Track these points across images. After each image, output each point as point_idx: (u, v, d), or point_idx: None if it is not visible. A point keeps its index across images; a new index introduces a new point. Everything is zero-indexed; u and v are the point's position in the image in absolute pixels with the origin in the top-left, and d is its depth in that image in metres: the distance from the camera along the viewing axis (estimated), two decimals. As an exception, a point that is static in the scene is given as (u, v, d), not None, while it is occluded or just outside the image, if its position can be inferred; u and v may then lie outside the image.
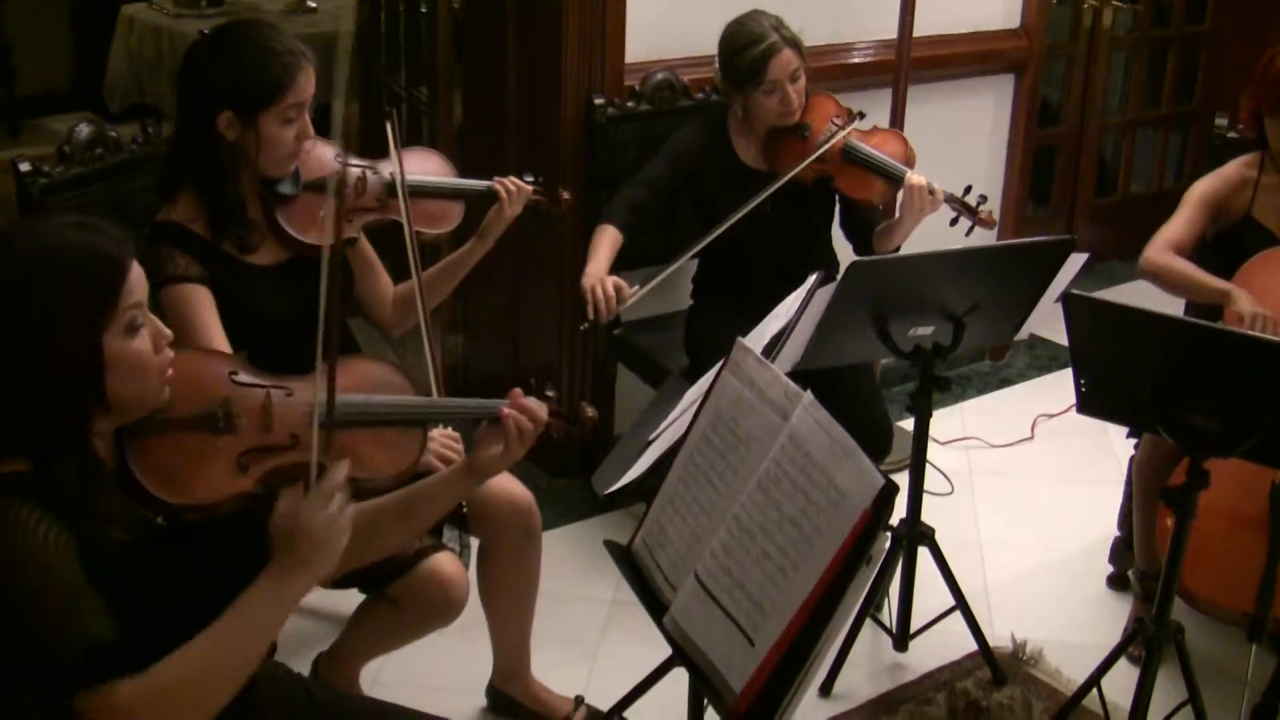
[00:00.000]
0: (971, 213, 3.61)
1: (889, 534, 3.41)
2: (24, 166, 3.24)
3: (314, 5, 6.94)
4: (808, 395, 2.25)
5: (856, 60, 4.56)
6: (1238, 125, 3.93)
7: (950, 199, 3.64)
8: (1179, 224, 3.64)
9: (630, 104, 4.18)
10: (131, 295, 1.99)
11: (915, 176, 3.65)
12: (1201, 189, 3.67)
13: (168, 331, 2.06)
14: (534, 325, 4.42)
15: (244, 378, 2.21)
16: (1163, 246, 3.61)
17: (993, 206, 4.08)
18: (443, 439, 2.83)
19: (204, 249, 2.91)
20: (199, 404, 2.12)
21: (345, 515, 2.05)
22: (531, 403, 2.34)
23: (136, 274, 2.01)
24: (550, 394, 2.44)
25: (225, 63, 2.87)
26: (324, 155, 3.06)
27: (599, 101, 4.12)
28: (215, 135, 2.88)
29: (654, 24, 4.23)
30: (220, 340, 2.83)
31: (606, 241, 3.71)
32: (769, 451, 2.27)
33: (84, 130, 3.40)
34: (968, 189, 3.64)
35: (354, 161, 3.14)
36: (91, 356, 1.95)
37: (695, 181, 3.85)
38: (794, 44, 3.72)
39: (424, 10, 5.03)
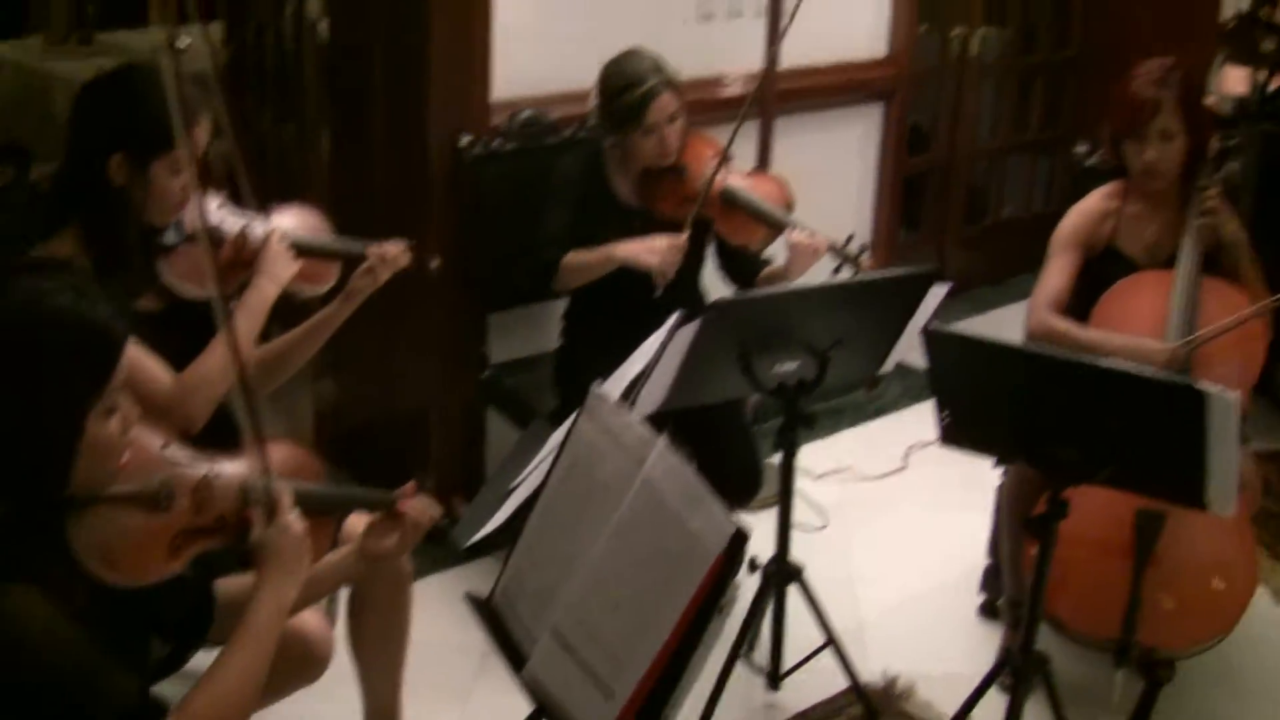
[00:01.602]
0: (853, 262, 3.61)
1: (759, 573, 3.40)
2: None
3: (184, 46, 6.84)
4: (661, 440, 2.24)
5: (723, 94, 4.56)
6: (1097, 152, 3.98)
7: (833, 250, 3.64)
8: (1053, 275, 3.69)
9: (497, 142, 4.15)
10: (119, 377, 1.94)
11: (799, 231, 3.65)
12: (1066, 231, 3.72)
13: (136, 411, 2.02)
14: (404, 370, 4.37)
15: (176, 454, 2.18)
16: (1044, 307, 3.66)
17: (868, 241, 4.10)
18: None
19: None
20: (140, 481, 2.07)
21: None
22: (425, 501, 2.49)
23: (125, 355, 1.98)
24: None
25: (124, 106, 2.82)
26: (207, 206, 3.00)
27: (466, 140, 4.08)
28: (104, 177, 2.81)
29: (519, 61, 4.20)
30: (162, 374, 2.81)
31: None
32: (625, 498, 2.25)
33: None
34: (849, 238, 3.64)
35: (236, 214, 3.08)
36: (74, 435, 1.90)
37: (579, 214, 3.84)
38: (673, 86, 3.72)
39: (290, 47, 4.99)
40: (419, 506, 2.48)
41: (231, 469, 2.22)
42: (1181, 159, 3.58)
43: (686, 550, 2.11)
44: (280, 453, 2.35)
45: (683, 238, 3.67)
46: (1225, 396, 2.59)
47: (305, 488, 2.31)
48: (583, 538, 2.32)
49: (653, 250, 3.66)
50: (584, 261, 3.72)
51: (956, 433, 3.03)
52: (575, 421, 2.47)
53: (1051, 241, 3.73)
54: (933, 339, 2.95)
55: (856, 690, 3.49)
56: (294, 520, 2.19)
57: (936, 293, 3.28)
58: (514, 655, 2.42)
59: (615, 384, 2.91)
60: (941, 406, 3.02)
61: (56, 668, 1.83)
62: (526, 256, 3.83)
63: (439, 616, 3.72)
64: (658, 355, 2.97)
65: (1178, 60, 3.64)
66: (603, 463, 2.35)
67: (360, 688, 3.24)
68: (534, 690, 2.30)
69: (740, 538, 2.04)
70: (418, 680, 3.33)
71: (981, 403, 2.96)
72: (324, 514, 2.38)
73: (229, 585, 2.36)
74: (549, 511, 2.45)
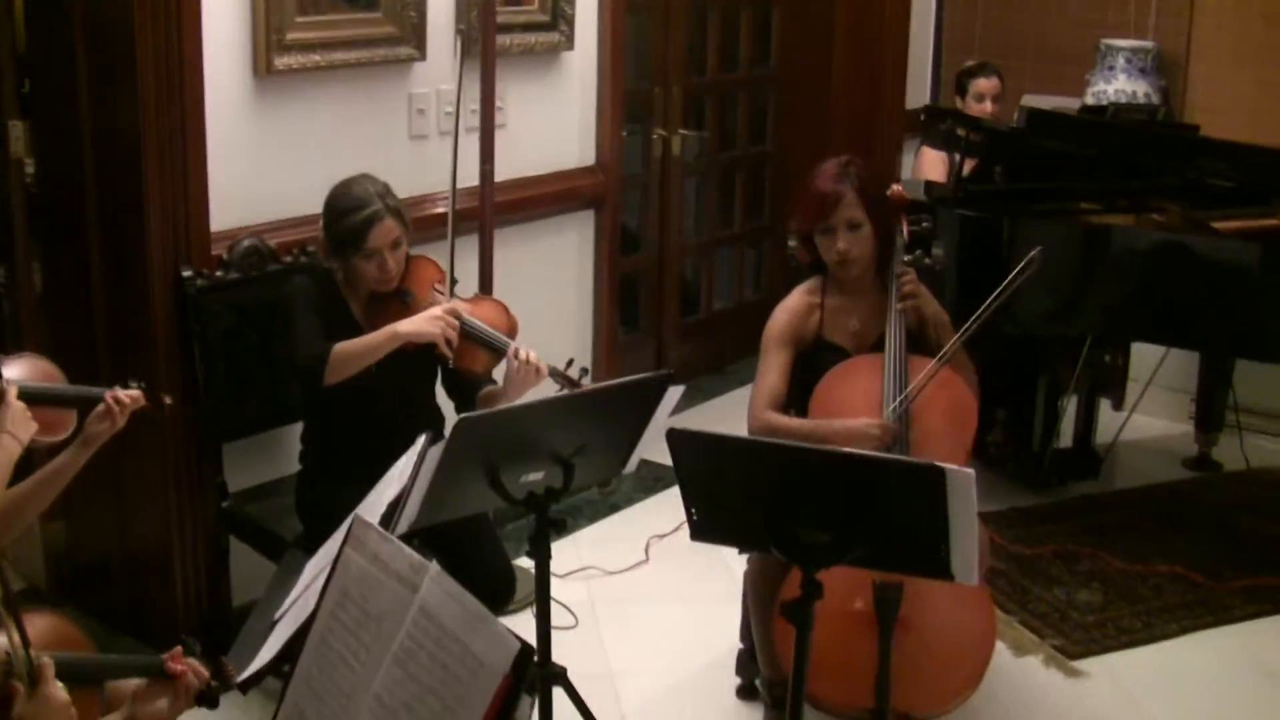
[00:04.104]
0: (574, 384, 3.70)
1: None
2: None
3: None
4: (434, 566, 2.28)
5: (440, 210, 4.62)
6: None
7: (554, 373, 3.73)
8: (768, 374, 3.85)
9: (220, 273, 4.14)
10: None
11: (523, 354, 3.74)
12: (775, 331, 3.89)
13: None
14: (138, 504, 4.29)
15: None
16: (762, 406, 3.80)
17: (584, 362, 4.19)
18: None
19: None
20: None
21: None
22: (193, 663, 2.51)
23: None
24: None
25: None
26: None
27: (187, 273, 4.06)
28: None
29: (237, 191, 4.21)
30: None
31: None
32: (402, 626, 2.28)
33: None
34: (569, 362, 3.74)
35: None
36: None
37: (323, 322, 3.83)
38: (397, 213, 3.78)
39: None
40: (188, 668, 2.47)
41: None
42: (871, 246, 3.80)
43: (472, 673, 2.15)
44: (40, 623, 2.32)
45: (451, 304, 3.74)
46: (964, 473, 2.74)
47: (68, 657, 2.28)
48: (363, 669, 2.34)
49: (431, 319, 3.70)
50: (361, 347, 3.70)
51: (706, 529, 3.10)
52: (341, 551, 2.49)
53: (763, 341, 3.89)
54: (676, 440, 3.01)
55: (628, 786, 3.56)
56: (57, 692, 2.15)
57: (674, 393, 3.39)
58: (298, 793, 2.42)
59: (371, 510, 2.94)
60: (689, 504, 3.09)
61: None
62: (288, 358, 3.80)
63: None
64: (412, 478, 3.00)
65: (852, 156, 3.88)
66: (375, 592, 2.37)
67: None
68: (327, 826, 2.31)
69: (526, 653, 2.09)
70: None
71: (729, 497, 3.04)
72: (90, 682, 2.35)
73: None
74: (324, 644, 2.45)
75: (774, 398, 3.79)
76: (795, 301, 3.90)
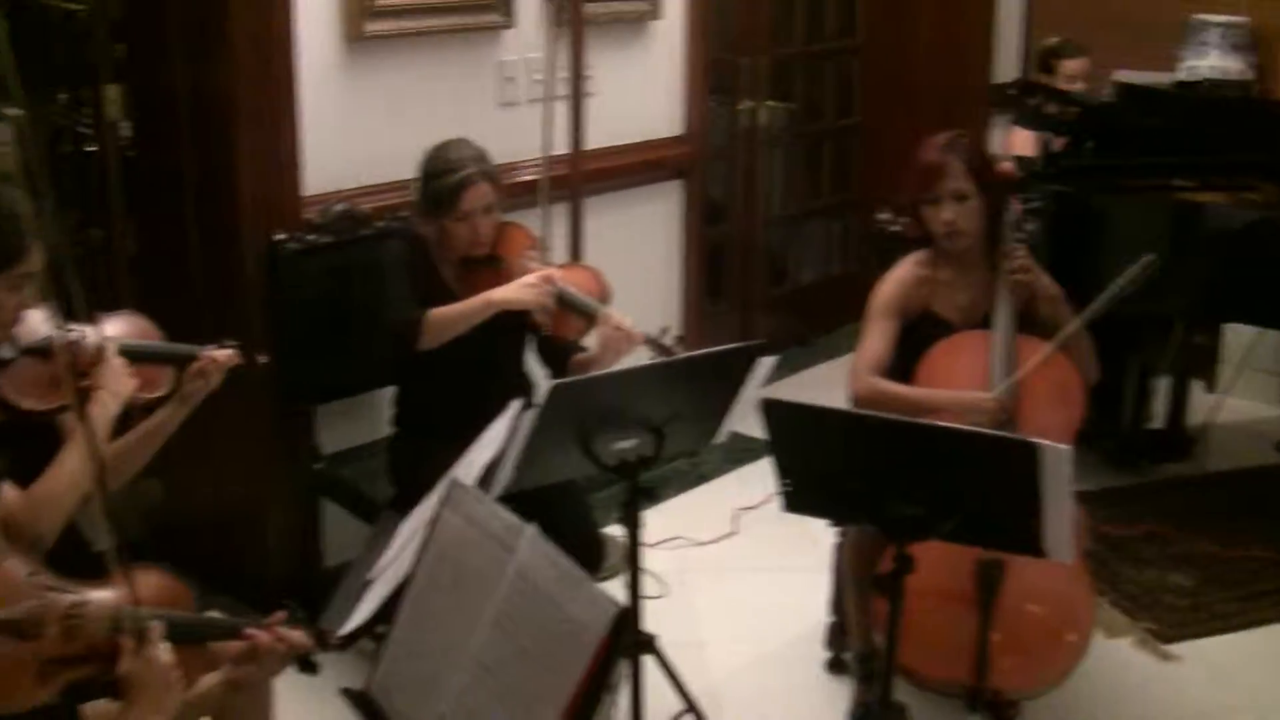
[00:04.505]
0: (668, 352, 3.68)
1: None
2: None
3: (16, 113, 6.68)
4: (530, 528, 2.28)
5: (527, 177, 4.62)
6: (899, 219, 4.13)
7: (648, 340, 3.71)
8: (873, 340, 3.78)
9: (312, 236, 4.15)
10: None
11: (615, 320, 3.72)
12: (882, 299, 3.82)
13: (6, 549, 1.99)
14: (233, 465, 4.33)
15: (45, 580, 2.14)
16: (865, 370, 3.74)
17: (673, 326, 4.18)
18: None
19: None
20: (6, 608, 2.03)
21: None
22: (294, 630, 2.48)
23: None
24: None
25: None
26: (36, 318, 2.94)
27: (280, 236, 4.08)
28: None
29: (328, 155, 4.23)
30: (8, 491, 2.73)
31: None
32: (498, 587, 2.28)
33: None
34: (664, 330, 3.71)
35: (65, 325, 3.02)
36: None
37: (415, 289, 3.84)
38: (491, 177, 3.78)
39: (91, 150, 4.91)
40: (288, 635, 2.45)
41: (101, 597, 2.18)
42: (978, 220, 3.73)
43: (569, 635, 2.15)
44: (149, 581, 2.33)
45: (546, 271, 3.73)
46: (1059, 450, 2.71)
47: (175, 617, 2.29)
48: (460, 628, 2.35)
49: (526, 286, 3.70)
50: (455, 313, 3.70)
51: (799, 500, 3.09)
52: (439, 513, 2.49)
53: (868, 309, 3.83)
54: (770, 410, 3.01)
55: (717, 754, 3.55)
56: (163, 651, 2.16)
57: (765, 364, 3.37)
58: (397, 748, 2.44)
59: (466, 473, 2.94)
60: (782, 475, 3.08)
61: None
62: (381, 323, 3.81)
63: (300, 710, 3.65)
64: (508, 442, 3.00)
65: (962, 130, 3.83)
66: (472, 553, 2.38)
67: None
68: (423, 782, 2.32)
69: (625, 616, 2.09)
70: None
71: (823, 469, 3.03)
72: (195, 643, 2.36)
73: (96, 712, 2.32)
74: (421, 603, 2.46)
75: (878, 364, 3.74)
76: (904, 272, 3.85)
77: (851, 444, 2.98)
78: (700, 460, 5.43)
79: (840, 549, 3.81)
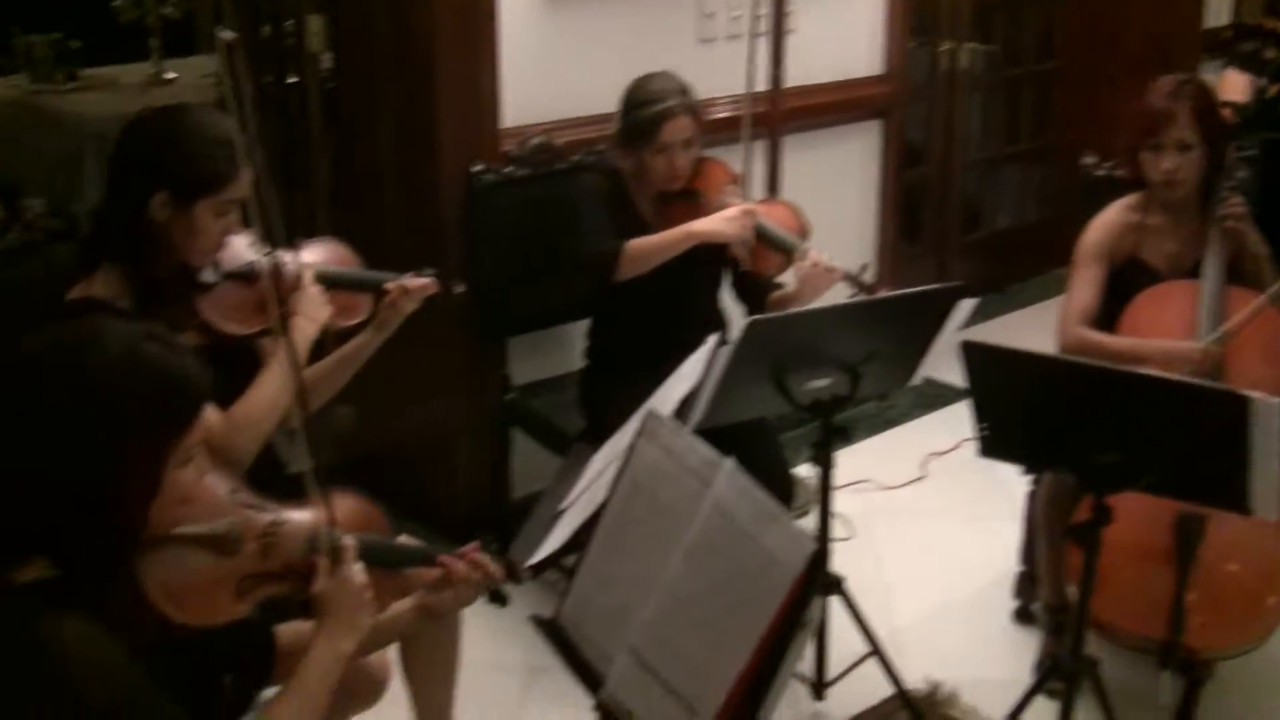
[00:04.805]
0: (868, 290, 3.63)
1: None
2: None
3: (172, 77, 6.85)
4: (728, 462, 2.27)
5: (723, 114, 4.58)
6: (1106, 163, 4.02)
7: (848, 277, 3.66)
8: (1080, 288, 3.70)
9: (508, 169, 4.18)
10: (199, 429, 1.96)
11: (814, 256, 3.68)
12: (1089, 245, 3.72)
13: (209, 465, 2.03)
14: (425, 394, 4.38)
15: (246, 498, 2.18)
16: (1074, 320, 3.66)
17: (874, 264, 4.13)
18: None
19: None
20: (208, 523, 2.08)
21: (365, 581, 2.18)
22: (487, 560, 2.45)
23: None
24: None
25: (173, 145, 2.80)
26: (239, 243, 3.00)
27: (477, 168, 4.11)
28: (146, 213, 2.82)
29: (527, 88, 4.24)
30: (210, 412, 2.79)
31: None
32: (694, 520, 2.27)
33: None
34: (864, 267, 3.66)
35: (267, 250, 3.07)
36: (155, 483, 1.91)
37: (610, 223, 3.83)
38: (692, 111, 3.74)
39: (291, 80, 4.99)
40: (479, 568, 2.45)
41: (298, 517, 2.22)
42: (1199, 169, 3.60)
43: (764, 570, 2.13)
44: (345, 504, 2.35)
45: (747, 205, 3.70)
46: (1270, 402, 2.62)
47: (370, 540, 2.30)
48: (653, 560, 2.34)
49: (727, 219, 3.66)
50: (654, 244, 3.68)
51: (996, 445, 3.04)
52: (635, 444, 2.49)
53: (1075, 255, 3.74)
54: (970, 352, 2.95)
55: (902, 697, 3.52)
56: (357, 573, 2.18)
57: (965, 306, 3.32)
58: (586, 675, 2.45)
59: (662, 405, 2.93)
60: (980, 419, 3.03)
61: (110, 701, 1.82)
62: (577, 254, 3.80)
63: (486, 637, 3.72)
64: (704, 376, 2.99)
65: (1191, 75, 3.70)
66: (668, 485, 2.37)
67: (414, 711, 3.25)
68: (614, 710, 2.32)
69: (821, 554, 2.07)
70: (468, 700, 3.33)
71: (1022, 414, 2.98)
72: (388, 567, 2.37)
73: (290, 631, 2.36)
74: (613, 533, 2.46)
75: (1086, 313, 3.65)
76: (1113, 217, 3.75)
77: (1052, 390, 2.91)
78: (889, 404, 5.37)
79: (1034, 498, 3.74)
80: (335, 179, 4.74)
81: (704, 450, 2.32)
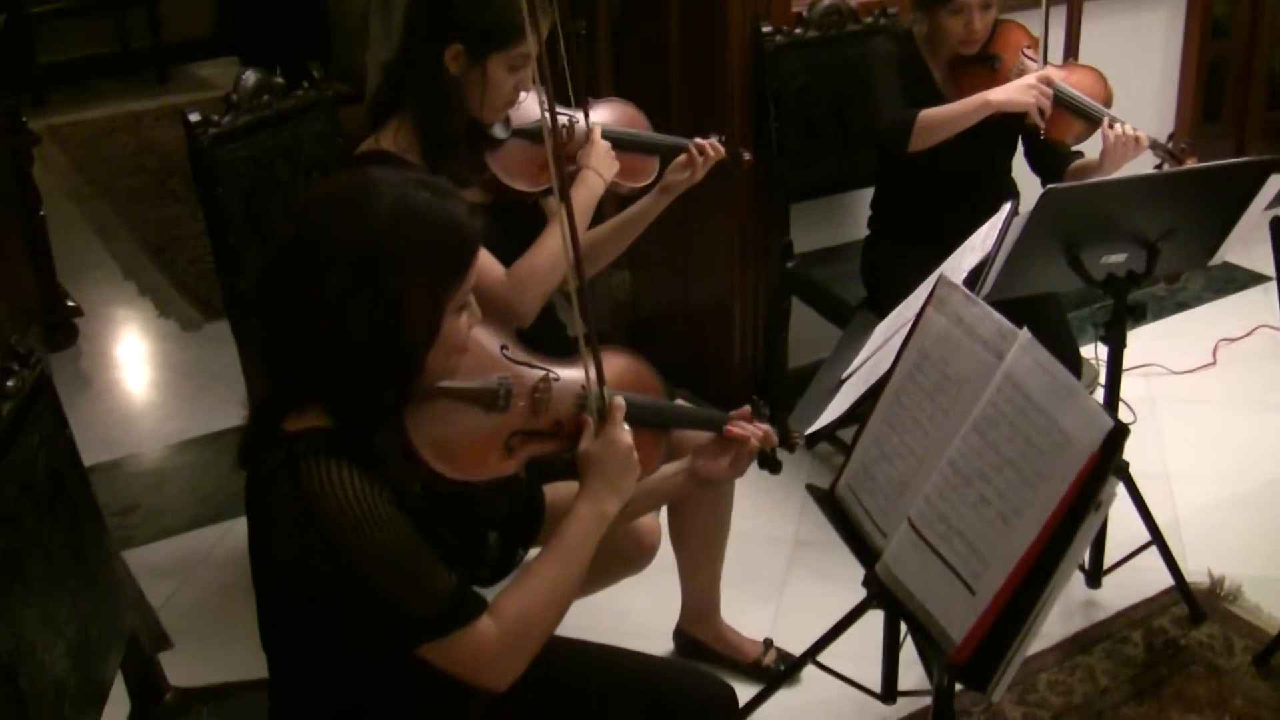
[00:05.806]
0: (1177, 160, 3.46)
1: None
2: (194, 116, 3.23)
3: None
4: (1024, 334, 2.19)
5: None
6: None
7: (1155, 145, 3.50)
8: None
9: (798, 30, 4.09)
10: (473, 275, 1.97)
11: (1122, 126, 3.51)
12: None
13: (480, 313, 2.05)
14: (703, 260, 4.36)
15: (516, 354, 2.18)
16: None
17: (1177, 133, 3.93)
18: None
19: None
20: (479, 378, 2.09)
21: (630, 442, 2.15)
22: (760, 426, 2.40)
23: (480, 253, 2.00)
24: None
25: None
26: (531, 101, 3.00)
27: (766, 29, 4.03)
28: (440, 65, 2.83)
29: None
30: (494, 267, 2.84)
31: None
32: (984, 393, 2.20)
33: (250, 78, 3.39)
34: (1171, 136, 3.49)
35: (559, 110, 3.05)
36: (434, 328, 1.93)
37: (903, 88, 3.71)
38: None
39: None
40: (755, 431, 2.39)
41: (568, 374, 2.20)
42: None
43: (1057, 447, 2.05)
44: (618, 363, 2.32)
45: (1045, 71, 3.57)
46: None
47: (639, 400, 2.27)
48: (937, 431, 2.28)
49: (1025, 87, 3.52)
50: (948, 114, 3.54)
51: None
52: (924, 312, 2.42)
53: None
54: (1282, 229, 2.81)
55: (1181, 590, 3.41)
56: (624, 434, 2.14)
57: (1275, 181, 3.14)
58: (860, 548, 2.41)
59: (952, 274, 2.84)
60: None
61: (365, 549, 1.84)
62: (869, 123, 3.70)
63: (754, 509, 3.72)
64: (996, 246, 2.90)
65: None
66: (957, 355, 2.30)
67: (680, 578, 3.27)
68: (888, 585, 2.28)
69: (1120, 432, 1.98)
70: (733, 570, 3.34)
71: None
72: (656, 428, 2.34)
73: (558, 491, 2.36)
74: (897, 404, 2.40)
75: None
76: None
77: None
78: (1180, 287, 5.17)
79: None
80: (621, 41, 4.70)
81: (998, 320, 2.24)
